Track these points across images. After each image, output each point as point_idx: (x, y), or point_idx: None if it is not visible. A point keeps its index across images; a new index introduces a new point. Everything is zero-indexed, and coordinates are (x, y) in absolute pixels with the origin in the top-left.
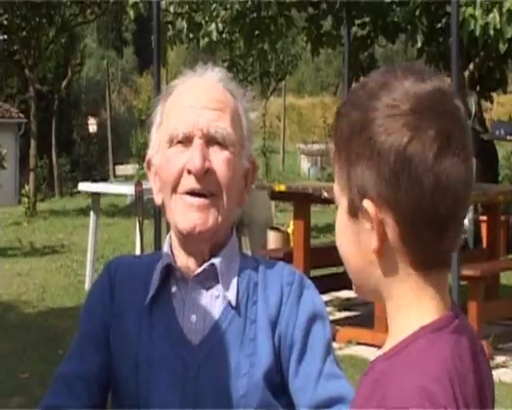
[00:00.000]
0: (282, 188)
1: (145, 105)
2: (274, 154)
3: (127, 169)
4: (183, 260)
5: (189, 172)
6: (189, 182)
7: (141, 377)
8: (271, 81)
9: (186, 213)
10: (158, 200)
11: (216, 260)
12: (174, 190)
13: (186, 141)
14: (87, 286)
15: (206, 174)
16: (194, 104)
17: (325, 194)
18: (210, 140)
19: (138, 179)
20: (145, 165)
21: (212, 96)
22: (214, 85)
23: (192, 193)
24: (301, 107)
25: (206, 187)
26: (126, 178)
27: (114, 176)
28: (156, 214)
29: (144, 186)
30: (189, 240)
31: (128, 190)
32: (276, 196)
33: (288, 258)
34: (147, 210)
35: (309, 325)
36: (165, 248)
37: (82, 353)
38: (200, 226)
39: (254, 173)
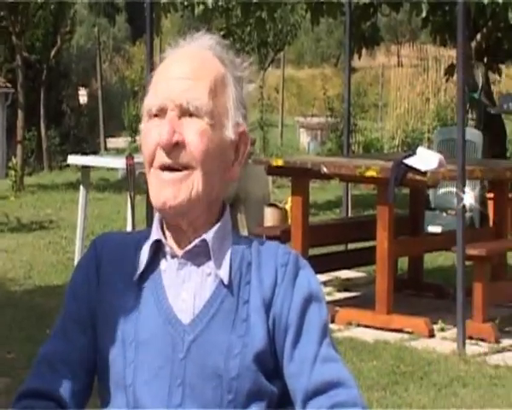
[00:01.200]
0: (280, 162)
1: (138, 75)
2: (272, 127)
3: (119, 142)
4: (173, 236)
5: (160, 146)
6: (161, 156)
7: (128, 356)
8: (269, 52)
9: (158, 189)
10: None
11: (207, 236)
12: (150, 164)
13: (161, 114)
14: (76, 264)
15: (176, 147)
16: (171, 75)
17: (324, 169)
18: (183, 112)
19: (130, 153)
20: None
21: (190, 65)
22: (199, 53)
23: (165, 168)
24: (300, 79)
25: (178, 161)
26: (118, 152)
27: (105, 149)
28: (148, 189)
29: (136, 160)
30: (164, 216)
31: (119, 163)
32: (273, 171)
33: (285, 236)
34: (138, 185)
35: (304, 306)
36: (155, 224)
37: (66, 333)
38: (171, 201)
39: (246, 146)
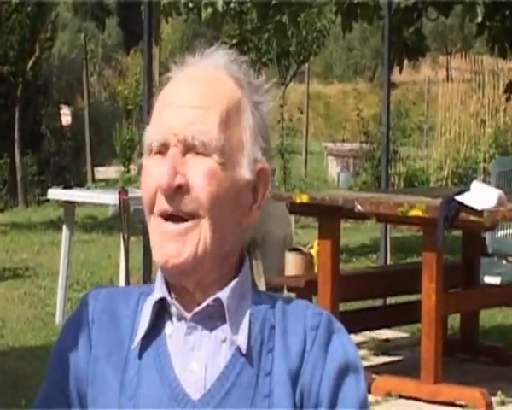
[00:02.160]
0: (305, 199)
1: (132, 91)
2: (294, 155)
3: (109, 172)
4: (179, 296)
5: (159, 190)
6: (161, 203)
7: None
8: (291, 63)
9: (159, 243)
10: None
11: (222, 295)
12: (151, 211)
13: (163, 150)
14: (58, 320)
15: (178, 192)
16: (175, 102)
17: (359, 207)
18: (188, 148)
19: (123, 186)
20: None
21: (199, 90)
22: (209, 74)
23: (167, 216)
24: (329, 96)
25: (181, 208)
26: (108, 184)
27: (93, 181)
28: (146, 230)
29: (131, 194)
30: (166, 275)
31: (110, 198)
32: (296, 208)
33: (310, 287)
34: (133, 224)
35: (339, 379)
36: (159, 278)
37: (50, 402)
38: (174, 259)
39: (266, 186)
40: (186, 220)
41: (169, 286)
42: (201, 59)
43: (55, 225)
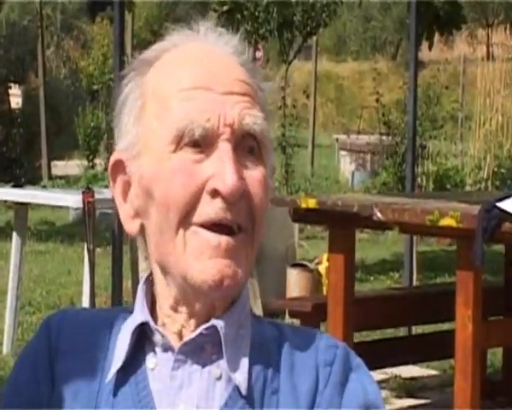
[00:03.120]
0: (312, 203)
1: (98, 68)
2: (299, 149)
3: (70, 167)
4: (173, 320)
5: (216, 193)
6: (215, 209)
7: None
8: (296, 36)
9: (208, 258)
10: (131, 227)
11: (218, 322)
12: (185, 219)
13: (204, 143)
14: (6, 349)
15: (241, 199)
16: (214, 86)
17: (378, 214)
18: (240, 144)
19: (87, 184)
20: (110, 167)
21: (237, 76)
22: (231, 60)
23: (213, 226)
24: (341, 76)
25: (237, 218)
26: (68, 182)
27: (50, 178)
28: (116, 240)
29: (97, 195)
30: (204, 296)
31: (71, 200)
32: (301, 215)
33: (318, 312)
34: (100, 233)
35: None
36: (140, 299)
37: None
38: (230, 279)
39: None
40: (236, 234)
41: (153, 308)
42: (208, 36)
43: (2, 232)
